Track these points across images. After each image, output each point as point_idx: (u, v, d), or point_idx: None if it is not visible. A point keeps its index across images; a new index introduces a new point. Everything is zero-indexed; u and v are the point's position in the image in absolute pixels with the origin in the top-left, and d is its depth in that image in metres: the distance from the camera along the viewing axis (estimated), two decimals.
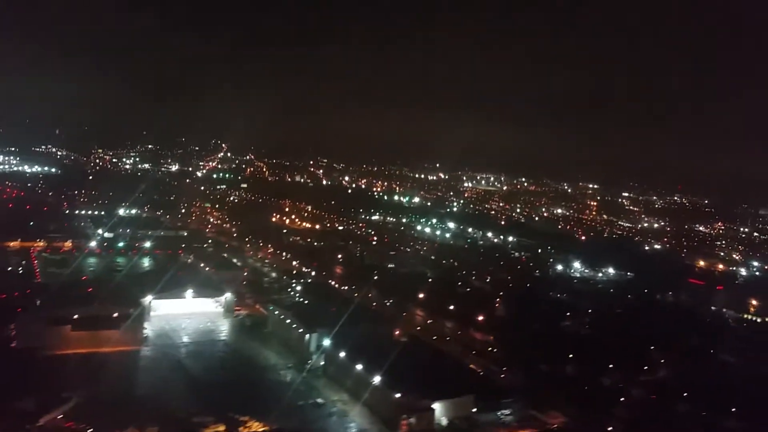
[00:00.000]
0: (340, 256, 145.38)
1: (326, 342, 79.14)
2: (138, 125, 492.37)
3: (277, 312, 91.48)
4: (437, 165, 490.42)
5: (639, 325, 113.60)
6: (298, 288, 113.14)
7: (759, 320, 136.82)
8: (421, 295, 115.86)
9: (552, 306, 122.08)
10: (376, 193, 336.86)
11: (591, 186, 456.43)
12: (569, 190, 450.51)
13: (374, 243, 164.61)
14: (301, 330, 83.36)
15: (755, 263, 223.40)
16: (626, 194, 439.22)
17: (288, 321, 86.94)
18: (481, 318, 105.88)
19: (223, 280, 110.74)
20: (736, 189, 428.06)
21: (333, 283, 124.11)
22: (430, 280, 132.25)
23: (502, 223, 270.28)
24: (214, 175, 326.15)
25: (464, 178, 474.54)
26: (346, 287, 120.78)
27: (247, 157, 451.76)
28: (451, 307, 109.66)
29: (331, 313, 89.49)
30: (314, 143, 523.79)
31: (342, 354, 75.74)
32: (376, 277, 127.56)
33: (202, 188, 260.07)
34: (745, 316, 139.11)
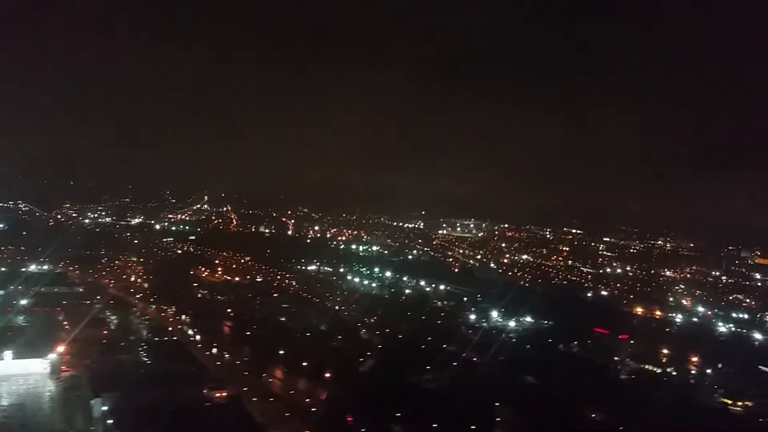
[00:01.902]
0: (230, 310, 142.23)
1: (106, 407, 75.56)
2: (126, 179, 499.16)
3: (82, 375, 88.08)
4: (422, 213, 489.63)
5: (503, 379, 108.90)
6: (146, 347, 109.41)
7: (658, 371, 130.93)
8: (283, 352, 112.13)
9: (423, 359, 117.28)
10: (337, 243, 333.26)
11: (575, 232, 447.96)
12: (549, 236, 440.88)
13: (275, 295, 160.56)
14: (90, 394, 79.86)
15: (700, 309, 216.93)
16: (608, 239, 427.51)
17: (85, 384, 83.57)
18: (330, 374, 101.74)
19: (78, 338, 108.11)
20: (727, 232, 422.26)
21: (196, 339, 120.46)
22: (309, 334, 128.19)
23: (455, 270, 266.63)
24: (173, 228, 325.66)
25: (444, 225, 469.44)
26: (208, 344, 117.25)
27: (225, 208, 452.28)
28: (305, 364, 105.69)
29: (144, 374, 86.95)
30: (301, 193, 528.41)
31: (114, 420, 72.27)
32: (249, 333, 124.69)
33: (145, 241, 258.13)
34: (649, 367, 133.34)
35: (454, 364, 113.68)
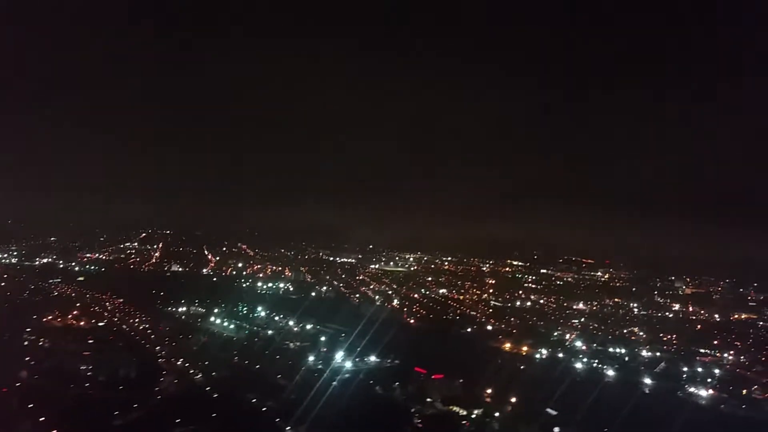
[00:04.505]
0: (29, 358, 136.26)
1: None
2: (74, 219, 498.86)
3: None
4: (369, 247, 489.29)
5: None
6: None
7: (463, 413, 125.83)
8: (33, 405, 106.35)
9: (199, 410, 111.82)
10: (248, 281, 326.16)
11: (516, 264, 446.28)
12: (485, 269, 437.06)
13: (90, 341, 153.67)
14: None
15: (578, 344, 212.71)
16: (544, 271, 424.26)
17: None
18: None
19: None
20: (678, 263, 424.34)
21: None
22: (88, 384, 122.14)
23: (351, 307, 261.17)
24: (78, 268, 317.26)
25: (383, 258, 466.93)
26: None
27: (155, 246, 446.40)
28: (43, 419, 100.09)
29: None
30: (256, 230, 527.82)
31: None
32: (20, 384, 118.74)
33: (25, 283, 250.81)
34: (455, 409, 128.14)
35: (213, 415, 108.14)
